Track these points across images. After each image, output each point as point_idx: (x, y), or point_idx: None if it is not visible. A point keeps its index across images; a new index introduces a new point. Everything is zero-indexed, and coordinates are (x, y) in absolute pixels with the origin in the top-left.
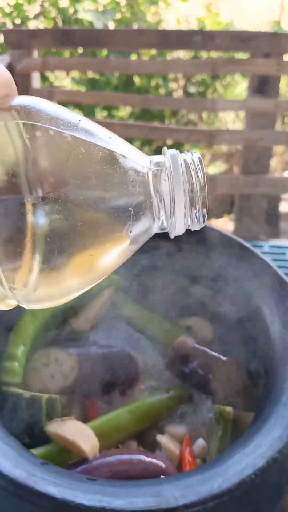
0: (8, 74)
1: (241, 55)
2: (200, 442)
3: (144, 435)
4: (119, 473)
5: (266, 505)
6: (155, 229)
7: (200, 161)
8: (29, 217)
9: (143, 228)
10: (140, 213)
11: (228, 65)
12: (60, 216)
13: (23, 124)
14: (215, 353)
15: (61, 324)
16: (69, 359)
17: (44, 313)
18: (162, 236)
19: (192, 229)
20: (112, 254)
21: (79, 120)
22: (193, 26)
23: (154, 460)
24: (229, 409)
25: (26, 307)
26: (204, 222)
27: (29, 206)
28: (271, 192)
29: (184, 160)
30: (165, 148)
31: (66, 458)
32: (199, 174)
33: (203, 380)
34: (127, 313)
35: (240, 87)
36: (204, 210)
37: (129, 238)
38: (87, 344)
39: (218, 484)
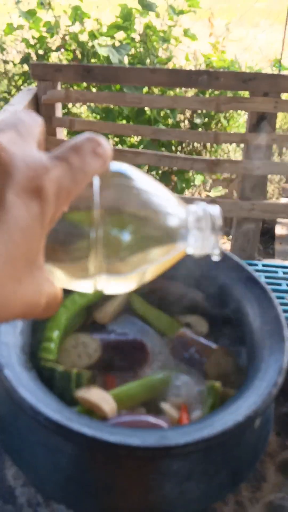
0: (111, 148)
1: (242, 93)
2: (197, 412)
3: (151, 403)
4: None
5: (245, 457)
6: (189, 251)
7: (220, 211)
8: (109, 231)
9: (182, 248)
10: (181, 239)
11: (230, 103)
12: (129, 238)
13: (116, 182)
14: (208, 342)
15: (86, 316)
16: (93, 342)
17: (74, 306)
18: None
19: (210, 254)
20: (161, 261)
21: (152, 182)
22: (201, 62)
23: (159, 421)
24: (218, 383)
25: (105, 292)
26: (219, 250)
27: (108, 224)
28: (265, 216)
29: (210, 210)
30: (197, 201)
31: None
32: (218, 220)
33: (199, 362)
34: (139, 310)
35: (242, 119)
36: (220, 242)
37: (174, 254)
38: (107, 333)
39: (207, 431)
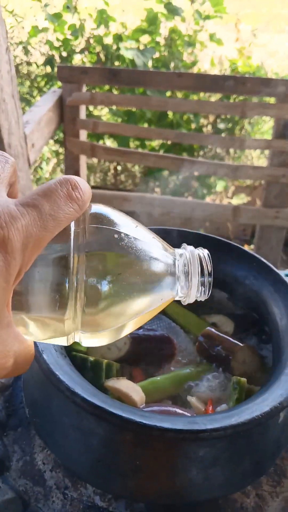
0: (90, 190)
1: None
2: (223, 406)
3: (177, 397)
4: None
5: (268, 450)
6: (176, 298)
7: (209, 255)
8: (87, 281)
9: (169, 297)
10: (169, 287)
11: (257, 108)
12: (109, 287)
13: (95, 227)
14: (235, 340)
15: None
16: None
17: None
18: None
19: (198, 300)
20: (146, 311)
21: (136, 226)
22: (226, 67)
23: (185, 412)
24: (243, 379)
25: (83, 344)
26: (208, 296)
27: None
28: None
29: (198, 254)
30: (184, 244)
31: None
32: (208, 264)
33: (224, 360)
34: (166, 307)
35: (266, 125)
36: (209, 288)
37: (158, 304)
38: None
39: (235, 419)
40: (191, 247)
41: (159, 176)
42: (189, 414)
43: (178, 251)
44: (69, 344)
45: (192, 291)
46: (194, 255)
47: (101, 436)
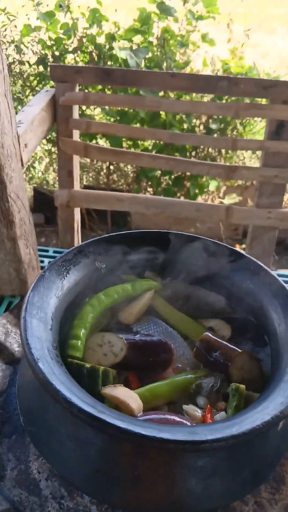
0: None
1: (261, 101)
2: (222, 414)
3: (174, 404)
4: None
5: (267, 458)
6: None
7: None
8: None
9: None
10: None
11: (250, 109)
12: None
13: None
14: (233, 346)
15: (111, 317)
16: (119, 342)
17: (100, 306)
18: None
19: None
20: None
21: None
22: (219, 67)
23: (183, 419)
24: (242, 386)
25: None
26: None
27: None
28: (282, 225)
29: None
30: None
31: None
32: None
33: (223, 366)
34: (163, 312)
35: (258, 125)
36: None
37: None
38: (132, 333)
39: (236, 429)
40: None
41: (151, 176)
42: (188, 423)
43: None
44: None
45: None
46: None
47: (99, 446)
